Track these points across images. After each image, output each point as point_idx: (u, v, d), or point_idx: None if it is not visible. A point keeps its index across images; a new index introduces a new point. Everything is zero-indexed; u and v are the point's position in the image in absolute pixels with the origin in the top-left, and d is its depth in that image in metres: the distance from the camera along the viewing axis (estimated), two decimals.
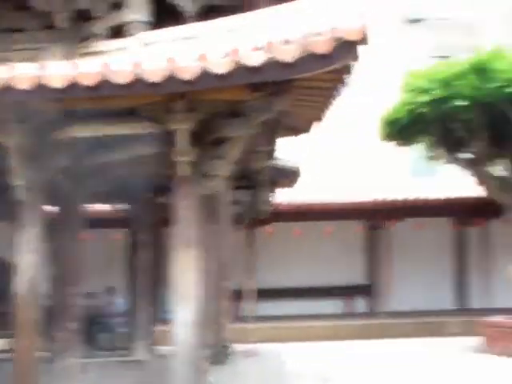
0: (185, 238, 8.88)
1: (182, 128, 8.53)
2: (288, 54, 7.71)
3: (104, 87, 7.86)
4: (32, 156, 9.23)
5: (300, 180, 15.52)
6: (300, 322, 23.46)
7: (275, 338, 21.06)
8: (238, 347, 15.06)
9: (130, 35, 9.69)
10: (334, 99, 9.45)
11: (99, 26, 10.09)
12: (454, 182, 23.95)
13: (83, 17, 10.17)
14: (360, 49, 7.70)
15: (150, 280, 14.99)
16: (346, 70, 8.30)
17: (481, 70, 18.08)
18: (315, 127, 10.87)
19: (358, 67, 8.44)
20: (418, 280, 25.79)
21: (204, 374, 9.26)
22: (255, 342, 18.84)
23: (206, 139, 8.72)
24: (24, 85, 7.84)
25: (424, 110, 18.72)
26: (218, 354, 12.82)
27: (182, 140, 8.56)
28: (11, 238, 9.69)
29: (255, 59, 7.73)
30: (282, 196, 20.31)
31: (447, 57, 26.61)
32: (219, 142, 8.76)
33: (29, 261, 9.38)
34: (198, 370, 8.90)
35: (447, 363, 18.04)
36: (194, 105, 8.49)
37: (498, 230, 25.06)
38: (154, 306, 15.56)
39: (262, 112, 8.55)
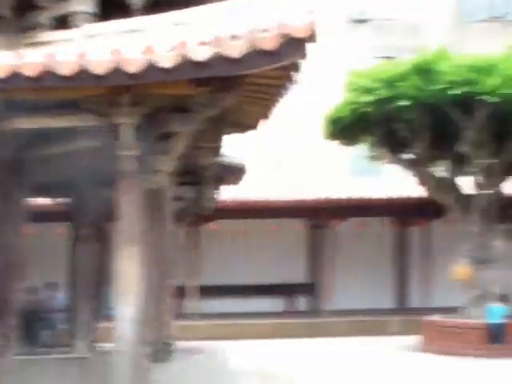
0: (128, 233, 8.76)
1: (127, 122, 8.41)
2: (235, 50, 7.65)
3: (47, 78, 7.70)
4: None
5: (246, 177, 15.48)
6: (243, 320, 23.41)
7: (218, 336, 21.03)
8: (182, 345, 14.97)
9: (76, 26, 9.52)
10: (281, 97, 9.42)
11: (44, 16, 9.89)
12: (397, 182, 24.19)
13: (28, 6, 9.97)
14: (308, 47, 7.68)
15: (92, 276, 14.78)
16: (294, 67, 8.27)
17: (424, 71, 18.27)
18: (262, 125, 10.83)
19: (305, 65, 8.44)
20: (359, 279, 25.97)
21: (146, 371, 9.15)
22: (199, 339, 18.76)
23: (150, 134, 8.61)
24: None
25: (367, 109, 18.86)
26: (160, 351, 12.72)
27: (127, 134, 8.44)
28: None
29: (202, 54, 7.65)
30: (227, 193, 20.27)
31: (391, 57, 26.89)
32: (164, 137, 8.67)
33: None
34: (139, 367, 8.80)
35: (384, 361, 18.25)
36: (140, 99, 8.37)
37: (438, 230, 25.37)
38: (97, 302, 15.36)
39: (208, 108, 8.48)
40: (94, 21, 9.44)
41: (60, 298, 18.07)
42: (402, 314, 24.21)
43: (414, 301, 25.79)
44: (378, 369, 17.13)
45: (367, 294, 25.78)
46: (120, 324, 8.70)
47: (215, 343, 18.29)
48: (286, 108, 10.55)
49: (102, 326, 15.65)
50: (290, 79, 8.79)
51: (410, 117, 19.07)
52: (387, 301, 25.62)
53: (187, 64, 7.68)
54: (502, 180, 20.73)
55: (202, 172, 12.27)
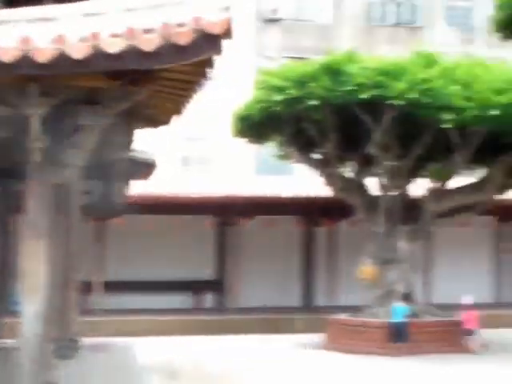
0: (34, 227, 8.56)
1: (36, 113, 8.19)
2: (148, 43, 7.53)
3: None
4: None
5: (155, 173, 15.32)
6: (150, 316, 23.27)
7: (126, 332, 20.74)
8: (88, 341, 14.72)
9: None
10: (195, 93, 9.35)
11: None
12: (306, 181, 24.40)
13: None
14: (223, 43, 7.65)
15: None
16: (209, 63, 8.21)
17: (334, 73, 18.46)
18: (174, 120, 10.74)
19: (217, 62, 8.39)
20: (266, 277, 26.13)
21: (50, 368, 8.96)
22: (105, 335, 18.49)
23: (60, 126, 8.42)
24: None
25: (277, 108, 18.90)
26: (66, 348, 12.45)
27: (35, 125, 8.23)
28: None
29: (114, 46, 7.50)
30: (136, 188, 20.04)
31: (302, 57, 27.16)
32: (75, 129, 8.49)
33: None
34: (43, 364, 8.61)
35: (286, 359, 18.46)
36: (49, 89, 8.16)
37: (345, 230, 25.77)
38: (2, 296, 14.91)
39: (120, 101, 8.35)
40: (2, 7, 9.16)
41: None
42: (308, 313, 24.46)
43: (320, 299, 26.09)
44: (280, 366, 17.33)
45: (274, 292, 25.97)
46: (25, 320, 8.49)
47: (122, 339, 18.04)
48: (196, 104, 10.46)
49: (7, 321, 15.24)
50: (204, 75, 8.73)
51: (318, 117, 19.25)
52: (294, 299, 25.83)
53: (99, 56, 7.53)
54: (407, 182, 21.18)
55: (112, 166, 12.08)
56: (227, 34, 7.66)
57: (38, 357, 8.48)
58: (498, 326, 23.23)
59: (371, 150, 19.81)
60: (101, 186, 13.23)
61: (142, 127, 10.73)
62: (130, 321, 22.73)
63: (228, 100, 26.06)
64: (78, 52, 7.48)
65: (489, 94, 17.56)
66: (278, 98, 18.73)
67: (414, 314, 19.56)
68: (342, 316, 20.84)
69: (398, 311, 18.98)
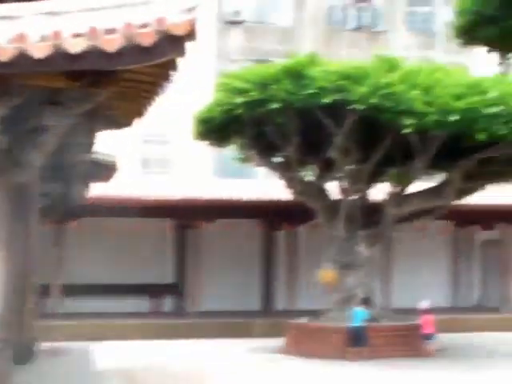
0: None
1: None
2: (111, 44, 7.43)
3: None
4: None
5: (117, 175, 15.16)
6: (108, 320, 22.99)
7: (83, 336, 20.51)
8: (45, 345, 14.52)
9: None
10: (157, 95, 9.26)
11: None
12: (267, 184, 24.38)
13: None
14: (187, 45, 7.57)
15: None
16: (172, 65, 8.12)
17: (296, 76, 18.42)
18: (137, 122, 10.64)
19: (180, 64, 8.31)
20: (226, 281, 26.04)
21: (6, 373, 8.79)
22: (63, 339, 18.26)
23: (20, 126, 8.27)
24: None
25: (238, 111, 18.81)
26: (23, 352, 12.25)
27: None
28: None
29: (76, 46, 7.38)
30: (96, 190, 19.85)
31: (263, 60, 27.16)
32: (35, 130, 8.34)
33: None
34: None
35: (245, 363, 18.40)
36: (8, 89, 8.01)
37: (305, 233, 25.80)
38: None
39: (81, 102, 8.23)
40: None
41: None
42: (267, 317, 24.42)
43: (280, 303, 26.10)
44: (238, 371, 17.28)
45: (234, 296, 25.88)
46: None
47: (80, 344, 17.85)
48: (156, 106, 10.36)
49: None
50: (167, 77, 8.64)
51: (280, 120, 19.21)
52: (254, 303, 25.78)
53: (60, 56, 7.40)
54: (368, 186, 21.25)
55: (72, 168, 11.92)
56: (191, 35, 7.59)
57: None
58: (455, 331, 23.46)
59: (332, 153, 19.83)
60: (61, 187, 13.08)
61: (104, 129, 10.60)
62: (89, 325, 22.48)
63: (189, 102, 25.95)
64: (38, 51, 7.35)
65: (449, 99, 17.67)
66: (240, 100, 18.64)
67: (373, 319, 19.59)
68: (302, 320, 20.83)
69: (357, 315, 19.01)
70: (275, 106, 18.26)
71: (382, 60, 18.93)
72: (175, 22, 7.49)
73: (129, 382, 15.09)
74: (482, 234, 28.98)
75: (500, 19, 12.25)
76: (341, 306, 20.14)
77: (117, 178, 15.93)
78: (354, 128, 18.82)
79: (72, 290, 23.33)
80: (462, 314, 26.55)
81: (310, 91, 18.08)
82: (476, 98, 17.62)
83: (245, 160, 23.11)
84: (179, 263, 26.19)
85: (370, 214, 20.85)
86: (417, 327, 19.66)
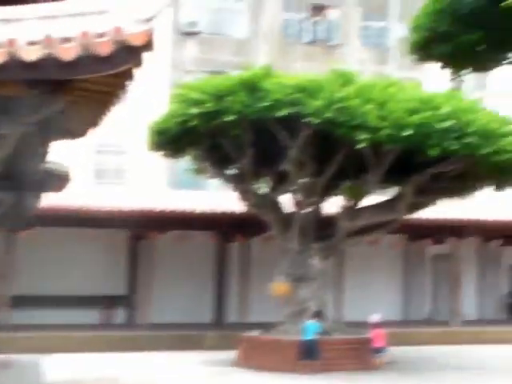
0: None
1: None
2: (67, 52, 7.36)
3: None
4: None
5: (70, 185, 14.98)
6: (59, 332, 22.65)
7: (32, 349, 20.16)
8: None
9: None
10: (113, 105, 9.17)
11: None
12: (221, 196, 24.33)
13: None
14: (144, 55, 7.53)
15: None
16: (128, 75, 8.06)
17: (251, 88, 18.44)
18: (91, 132, 10.53)
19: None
20: (178, 293, 25.90)
21: None
22: (12, 352, 17.92)
23: None
24: None
25: (193, 122, 18.74)
26: None
27: None
28: None
29: (31, 54, 7.30)
30: (48, 200, 19.59)
31: (219, 71, 27.14)
32: None
33: None
34: None
35: (195, 376, 18.26)
36: None
37: (258, 246, 25.78)
38: None
39: (36, 111, 8.11)
40: None
41: None
42: (219, 329, 24.33)
43: (232, 316, 26.02)
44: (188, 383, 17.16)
45: (186, 308, 25.77)
46: None
47: (29, 356, 17.54)
48: (110, 116, 10.26)
49: None
50: (123, 87, 8.57)
51: (235, 132, 19.19)
52: (206, 315, 25.68)
53: (15, 63, 7.31)
54: (321, 199, 21.34)
55: (25, 177, 11.75)
56: (148, 46, 7.55)
57: None
58: (406, 344, 23.63)
59: (286, 166, 19.89)
60: (12, 196, 12.86)
61: (58, 138, 10.47)
62: (38, 337, 22.09)
63: (143, 112, 25.83)
64: None
65: (402, 113, 17.84)
66: (195, 111, 18.57)
67: (325, 332, 19.62)
68: (254, 333, 20.78)
69: (310, 329, 19.01)
70: (230, 117, 18.23)
71: (337, 74, 19.05)
72: (133, 32, 7.44)
73: None
74: (432, 248, 29.32)
75: (453, 36, 12.41)
76: (293, 319, 20.13)
77: (70, 188, 15.75)
78: (309, 141, 18.90)
79: (23, 302, 23.00)
80: (412, 327, 26.80)
81: (266, 104, 18.09)
82: (429, 114, 17.83)
83: (199, 171, 23.04)
84: (131, 274, 25.99)
85: (324, 227, 20.91)
86: (368, 341, 19.74)
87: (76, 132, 10.53)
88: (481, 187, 21.50)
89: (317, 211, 21.32)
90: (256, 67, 19.68)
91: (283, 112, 17.90)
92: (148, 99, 27.69)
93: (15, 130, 8.23)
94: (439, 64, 13.66)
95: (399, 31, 33.75)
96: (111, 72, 7.66)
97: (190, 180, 25.53)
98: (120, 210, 22.99)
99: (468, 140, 17.85)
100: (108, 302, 25.55)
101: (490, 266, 31.10)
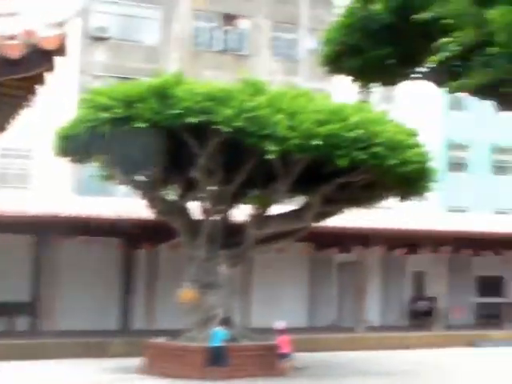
0: None
1: None
2: None
3: None
4: None
5: None
6: None
7: None
8: None
9: None
10: (22, 109, 8.98)
11: None
12: (129, 202, 24.12)
13: None
14: (57, 59, 7.41)
15: None
16: (40, 79, 7.91)
17: (162, 95, 18.38)
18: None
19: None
20: (85, 300, 25.54)
21: None
22: None
23: None
24: None
25: (103, 128, 18.52)
26: None
27: None
28: None
29: None
30: None
31: (128, 78, 26.97)
32: None
33: None
34: None
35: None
36: None
37: (165, 253, 25.66)
38: None
39: None
40: None
41: None
42: (126, 336, 24.11)
43: (139, 323, 25.82)
44: None
45: (92, 315, 25.43)
46: None
47: None
48: (16, 119, 10.04)
49: None
50: (33, 91, 8.40)
51: (145, 139, 19.06)
52: (112, 322, 25.40)
53: None
54: (230, 207, 21.43)
55: None
56: (61, 50, 7.45)
57: None
58: (312, 350, 23.95)
59: (195, 174, 19.90)
60: None
61: None
62: None
63: (50, 117, 25.42)
64: None
65: (312, 124, 18.11)
66: (104, 117, 18.36)
67: (233, 338, 19.70)
68: (161, 340, 20.68)
69: (217, 335, 19.05)
70: (140, 124, 18.10)
71: (248, 83, 19.19)
72: (45, 35, 7.32)
73: None
74: (339, 256, 29.81)
75: (363, 51, 12.69)
76: (200, 326, 20.13)
77: None
78: (219, 149, 18.97)
79: None
80: (319, 333, 27.17)
81: (176, 111, 18.06)
82: (338, 124, 18.16)
83: (107, 178, 22.79)
84: (35, 281, 25.45)
85: (232, 235, 21.00)
86: (274, 347, 19.91)
87: None
88: (387, 197, 21.99)
89: (225, 219, 21.39)
90: (167, 74, 19.63)
91: (193, 119, 17.90)
92: (56, 103, 27.26)
93: None
94: (349, 77, 13.93)
95: (309, 43, 34.33)
96: (22, 76, 7.51)
97: (98, 186, 25.18)
98: (24, 215, 22.53)
99: (375, 150, 18.25)
100: (10, 309, 24.91)
101: (394, 273, 31.86)
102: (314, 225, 22.04)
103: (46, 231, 23.39)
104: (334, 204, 21.23)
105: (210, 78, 28.07)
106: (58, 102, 27.49)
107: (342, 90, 29.51)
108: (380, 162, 18.49)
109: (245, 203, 22.04)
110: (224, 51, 33.48)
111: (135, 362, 20.36)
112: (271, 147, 17.91)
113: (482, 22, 9.64)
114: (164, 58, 31.97)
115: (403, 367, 22.11)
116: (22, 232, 23.59)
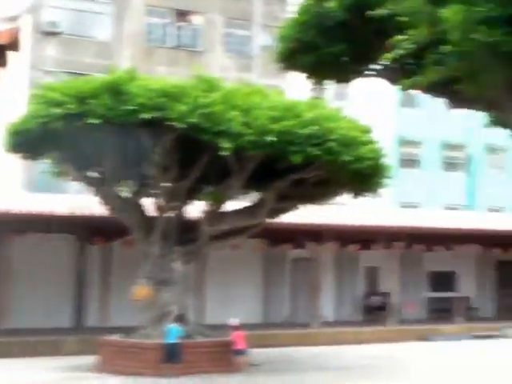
0: None
1: None
2: None
3: None
4: None
5: None
6: None
7: None
8: None
9: None
10: None
11: None
12: (82, 199, 23.93)
13: None
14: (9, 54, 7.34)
15: None
16: None
17: (115, 91, 18.25)
18: None
19: None
20: (37, 297, 25.25)
21: None
22: None
23: None
24: None
25: (55, 124, 18.31)
26: None
27: None
28: None
29: None
30: None
31: (81, 73, 26.74)
32: None
33: None
34: None
35: (51, 383, 17.90)
36: None
37: (119, 250, 25.51)
38: None
39: None
40: None
41: None
42: (79, 334, 23.90)
43: (93, 320, 25.63)
44: None
45: (45, 313, 25.15)
46: None
47: None
48: None
49: None
50: None
51: (98, 135, 18.91)
52: (65, 320, 25.18)
53: None
54: (184, 204, 21.37)
55: None
56: (14, 45, 7.39)
57: None
58: (267, 346, 24.03)
59: (150, 170, 19.81)
60: None
61: None
62: None
63: (0, 113, 25.08)
64: None
65: (266, 120, 18.13)
66: (57, 112, 18.13)
67: (188, 335, 19.68)
68: (115, 337, 20.56)
69: (172, 332, 19.02)
70: (93, 120, 17.94)
71: (202, 80, 19.15)
72: None
73: None
74: (293, 252, 29.91)
75: (318, 48, 12.75)
76: (155, 323, 20.06)
77: None
78: (173, 146, 18.90)
79: None
80: (273, 329, 27.24)
81: (129, 107, 17.95)
82: (292, 121, 18.21)
83: (60, 174, 22.55)
84: None
85: (186, 231, 20.96)
86: (229, 343, 19.93)
87: None
88: (341, 193, 22.13)
89: (180, 215, 21.33)
90: (120, 70, 19.49)
91: (147, 116, 17.81)
92: (6, 99, 26.89)
93: None
94: (304, 73, 13.98)
95: (262, 40, 34.40)
96: None
97: (50, 183, 24.91)
98: None
99: (329, 145, 18.33)
100: None
101: (347, 269, 32.10)
102: (269, 221, 22.10)
103: None
104: (289, 200, 21.30)
105: (164, 74, 28.05)
106: (8, 97, 27.11)
107: (296, 87, 29.68)
108: (334, 158, 18.60)
109: (200, 199, 22.01)
110: (177, 47, 33.38)
111: (89, 359, 20.22)
112: (225, 143, 17.88)
113: (435, 20, 9.77)
114: (117, 54, 31.74)
115: (359, 362, 22.32)
116: None
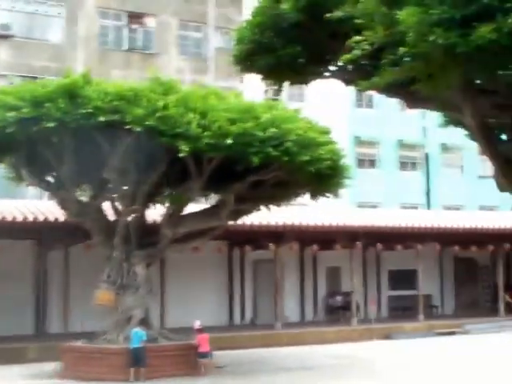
0: None
1: None
2: None
3: None
4: None
5: None
6: None
7: None
8: None
9: None
10: None
11: None
12: (40, 204, 23.68)
13: None
14: None
15: None
16: None
17: (70, 95, 18.10)
18: None
19: None
20: None
21: None
22: None
23: None
24: None
25: (11, 128, 18.07)
26: None
27: None
28: None
29: None
30: None
31: (34, 77, 26.45)
32: None
33: None
34: None
35: None
36: None
37: (79, 254, 25.26)
38: None
39: None
40: None
41: None
42: (41, 340, 23.67)
43: (54, 326, 25.43)
44: None
45: (5, 320, 24.79)
46: None
47: None
48: None
49: None
50: None
51: (55, 139, 18.76)
52: (26, 326, 24.91)
53: None
54: (144, 207, 21.26)
55: None
56: None
57: None
58: (231, 348, 24.03)
59: (108, 174, 19.69)
60: None
61: None
62: None
63: None
64: None
65: (224, 123, 18.11)
66: (12, 116, 17.88)
67: (152, 339, 19.61)
68: (78, 343, 20.38)
69: (136, 336, 18.93)
70: (49, 124, 17.75)
71: (158, 82, 19.10)
72: None
73: None
74: (254, 254, 29.89)
75: (274, 49, 12.75)
76: (118, 328, 19.96)
77: None
78: (131, 149, 18.79)
79: None
80: (237, 331, 27.23)
81: (85, 111, 17.81)
82: (250, 123, 18.21)
83: (16, 179, 22.28)
84: None
85: (147, 235, 20.90)
86: (193, 346, 19.90)
87: None
88: (301, 194, 22.21)
89: (140, 219, 21.24)
90: (75, 73, 19.32)
91: (103, 119, 17.70)
92: None
93: None
94: (261, 75, 13.98)
95: (217, 42, 34.38)
96: None
97: (7, 188, 24.58)
98: None
99: (287, 146, 18.35)
100: None
101: (309, 269, 32.18)
102: (230, 223, 22.11)
103: None
104: (249, 202, 21.31)
105: (118, 77, 27.89)
106: None
107: (252, 89, 29.73)
108: (292, 159, 18.60)
109: (160, 203, 21.92)
110: (131, 50, 33.21)
111: (52, 366, 20.03)
112: (183, 146, 17.83)
113: (391, 21, 9.85)
114: (70, 57, 31.42)
115: (326, 361, 22.40)
116: None
